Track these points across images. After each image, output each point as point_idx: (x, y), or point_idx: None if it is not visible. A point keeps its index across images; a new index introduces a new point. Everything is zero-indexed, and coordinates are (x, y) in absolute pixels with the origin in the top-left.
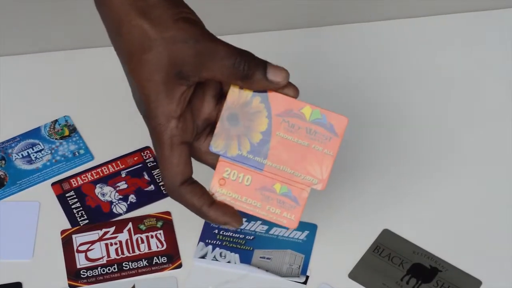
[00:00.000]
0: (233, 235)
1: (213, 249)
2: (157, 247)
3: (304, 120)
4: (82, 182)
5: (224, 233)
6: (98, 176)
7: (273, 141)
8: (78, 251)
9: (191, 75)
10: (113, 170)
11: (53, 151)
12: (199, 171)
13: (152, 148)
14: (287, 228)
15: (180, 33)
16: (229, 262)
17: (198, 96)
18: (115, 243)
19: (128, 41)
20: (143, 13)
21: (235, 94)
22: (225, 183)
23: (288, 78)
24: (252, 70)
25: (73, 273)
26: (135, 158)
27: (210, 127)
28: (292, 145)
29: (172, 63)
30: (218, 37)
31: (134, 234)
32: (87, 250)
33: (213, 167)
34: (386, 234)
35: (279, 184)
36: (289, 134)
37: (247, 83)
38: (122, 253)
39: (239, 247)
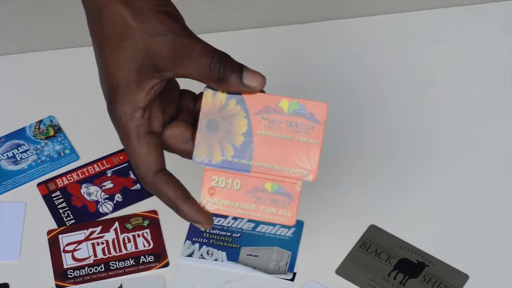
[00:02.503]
0: (220, 233)
1: (200, 247)
2: (144, 246)
3: (283, 114)
4: (68, 182)
5: (211, 231)
6: (83, 175)
7: (256, 140)
8: (65, 251)
9: (165, 70)
10: (99, 169)
11: (38, 151)
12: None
13: None
14: (289, 228)
15: (159, 25)
16: (216, 260)
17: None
18: (102, 243)
19: (108, 27)
20: (126, 1)
21: (208, 100)
22: (215, 192)
23: (265, 83)
24: (227, 73)
25: (60, 273)
26: (121, 157)
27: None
28: (276, 141)
29: (148, 54)
30: (198, 35)
31: (121, 234)
32: (74, 250)
33: (185, 154)
34: (373, 230)
35: (269, 183)
36: (271, 131)
37: (221, 86)
38: (109, 252)
39: (226, 245)
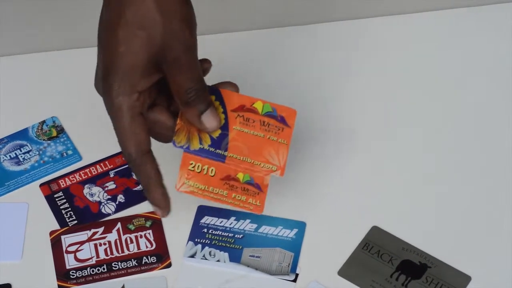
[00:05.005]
0: (222, 234)
1: (202, 248)
2: (146, 246)
3: (257, 113)
4: (70, 183)
5: (213, 232)
6: (86, 176)
7: (231, 134)
8: (67, 252)
9: (164, 70)
10: (101, 170)
11: (41, 152)
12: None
13: None
14: (291, 229)
15: (180, 31)
16: (218, 261)
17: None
18: (104, 243)
19: (130, 11)
20: None
21: None
22: (191, 176)
23: (218, 128)
24: (194, 103)
25: (62, 273)
26: (123, 158)
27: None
28: (250, 137)
29: (163, 50)
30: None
31: (123, 234)
32: (76, 250)
33: (163, 138)
34: (375, 231)
35: (241, 174)
36: (245, 127)
37: (184, 109)
38: (112, 253)
39: (228, 246)
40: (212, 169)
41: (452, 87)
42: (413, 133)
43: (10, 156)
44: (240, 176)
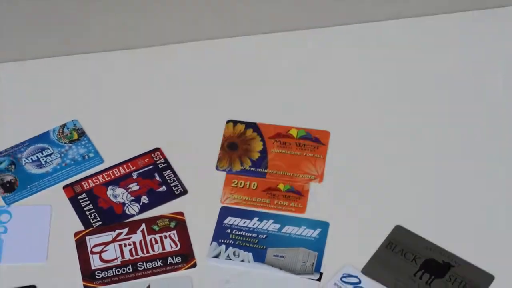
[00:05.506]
0: (246, 234)
1: (226, 248)
2: (171, 247)
3: (292, 138)
4: (93, 185)
5: (237, 233)
6: (109, 178)
7: (270, 155)
8: (92, 253)
9: None
10: (124, 172)
11: (62, 155)
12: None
13: (163, 150)
14: (314, 229)
15: None
16: (242, 261)
17: None
18: (129, 244)
19: None
20: None
21: (229, 129)
22: (235, 191)
23: None
24: None
25: (88, 274)
26: (146, 160)
27: None
28: (287, 156)
29: None
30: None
31: (148, 235)
32: (101, 251)
33: None
34: (399, 230)
35: (282, 184)
36: (283, 149)
37: None
38: (137, 253)
39: (252, 246)
40: (254, 184)
41: (465, 86)
42: (439, 133)
43: (31, 159)
44: (281, 186)
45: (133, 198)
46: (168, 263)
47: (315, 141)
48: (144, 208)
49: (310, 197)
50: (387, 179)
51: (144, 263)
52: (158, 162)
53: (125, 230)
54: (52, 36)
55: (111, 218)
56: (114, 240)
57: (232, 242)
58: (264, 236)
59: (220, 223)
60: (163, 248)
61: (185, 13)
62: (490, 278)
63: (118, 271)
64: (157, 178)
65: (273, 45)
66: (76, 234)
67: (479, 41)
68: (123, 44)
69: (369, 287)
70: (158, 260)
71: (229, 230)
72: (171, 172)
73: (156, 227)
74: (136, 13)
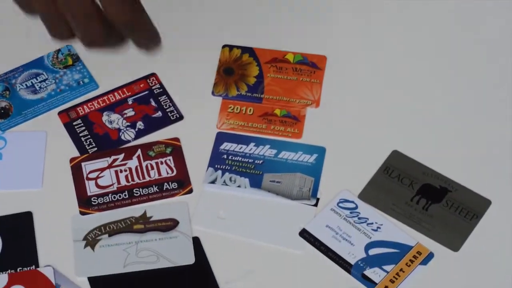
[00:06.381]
0: (242, 159)
1: (223, 174)
2: (167, 173)
3: (289, 63)
4: (89, 110)
5: (233, 158)
6: (104, 104)
7: (266, 80)
8: (88, 179)
9: None
10: (120, 97)
11: (57, 80)
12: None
13: (158, 75)
14: (311, 154)
15: None
16: (239, 186)
17: None
18: (125, 170)
19: None
20: None
21: (225, 54)
22: (231, 117)
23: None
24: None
25: (84, 200)
26: (141, 85)
27: None
28: (283, 81)
29: None
30: None
31: (144, 161)
32: (97, 177)
33: None
34: (396, 155)
35: (278, 109)
36: (279, 74)
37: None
38: (133, 179)
39: (249, 171)
40: (250, 109)
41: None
42: (439, 58)
43: (26, 85)
44: (277, 111)
45: (128, 124)
46: (164, 189)
47: (311, 66)
48: (139, 134)
49: (307, 123)
50: (384, 104)
51: (140, 189)
52: (153, 87)
53: (121, 156)
54: None
55: (107, 144)
56: (109, 166)
57: (229, 168)
58: (261, 161)
59: (216, 149)
60: (159, 174)
61: None
62: (487, 202)
63: (114, 197)
64: (153, 103)
65: None
66: (71, 160)
67: None
68: None
69: (366, 212)
70: (154, 186)
71: (225, 156)
72: (166, 98)
73: (152, 153)
74: None
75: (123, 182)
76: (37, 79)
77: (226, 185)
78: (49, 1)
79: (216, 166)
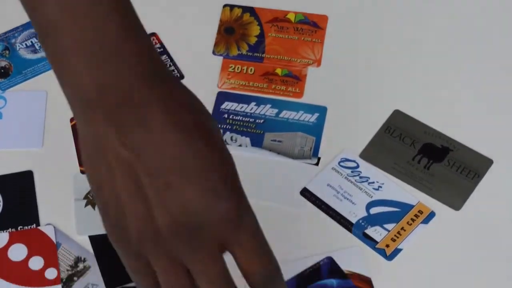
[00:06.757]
0: (243, 119)
1: (224, 133)
2: None
3: (290, 22)
4: None
5: (234, 118)
6: None
7: (267, 40)
8: None
9: None
10: None
11: None
12: None
13: (159, 35)
14: (312, 113)
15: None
16: (240, 145)
17: None
18: None
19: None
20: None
21: (226, 14)
22: (232, 76)
23: None
24: None
25: None
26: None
27: None
28: (285, 41)
29: None
30: None
31: None
32: None
33: None
34: (397, 115)
35: (279, 69)
36: (280, 33)
37: None
38: None
39: (250, 130)
40: (251, 69)
41: None
42: (436, 18)
43: (26, 44)
44: (279, 71)
45: None
46: None
47: (313, 25)
48: None
49: (308, 82)
50: (386, 63)
51: None
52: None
53: None
54: None
55: None
56: None
57: (230, 127)
58: (262, 121)
59: (217, 108)
60: None
61: None
62: (488, 162)
63: None
64: None
65: None
66: (72, 119)
67: None
68: None
69: (367, 171)
70: None
71: (226, 115)
72: (167, 57)
73: None
74: None
75: None
76: (37, 39)
77: (228, 144)
78: None
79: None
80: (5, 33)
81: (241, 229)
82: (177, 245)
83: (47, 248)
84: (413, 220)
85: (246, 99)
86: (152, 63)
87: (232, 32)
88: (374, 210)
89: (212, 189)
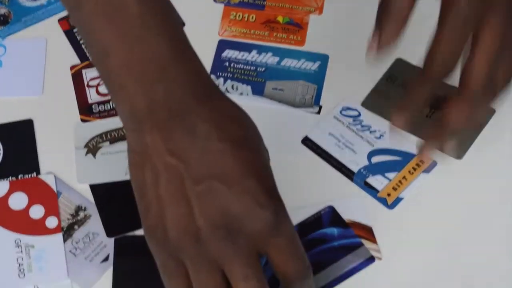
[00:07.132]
0: (244, 67)
1: (225, 81)
2: None
3: None
4: None
5: (235, 66)
6: None
7: None
8: (89, 86)
9: None
10: None
11: None
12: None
13: None
14: (314, 61)
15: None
16: (241, 94)
17: None
18: None
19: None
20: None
21: None
22: (233, 24)
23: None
24: None
25: (85, 108)
26: None
27: None
28: None
29: None
30: None
31: None
32: (98, 85)
33: None
34: (399, 63)
35: (281, 17)
36: None
37: None
38: None
39: (251, 79)
40: (252, 16)
41: None
42: None
43: None
44: (280, 18)
45: None
46: None
47: None
48: None
49: (310, 30)
50: None
51: None
52: None
53: None
54: None
55: None
56: None
57: (231, 75)
58: (263, 69)
59: (218, 56)
60: None
61: None
62: (491, 111)
63: None
64: None
65: None
66: (72, 67)
67: None
68: None
69: (369, 120)
70: None
71: (227, 63)
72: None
73: None
74: None
75: None
76: None
77: (228, 92)
78: None
79: (218, 73)
80: None
81: (278, 235)
82: (216, 247)
83: (47, 197)
84: (414, 169)
85: (247, 47)
86: (200, 81)
87: None
88: (376, 159)
89: (253, 195)
